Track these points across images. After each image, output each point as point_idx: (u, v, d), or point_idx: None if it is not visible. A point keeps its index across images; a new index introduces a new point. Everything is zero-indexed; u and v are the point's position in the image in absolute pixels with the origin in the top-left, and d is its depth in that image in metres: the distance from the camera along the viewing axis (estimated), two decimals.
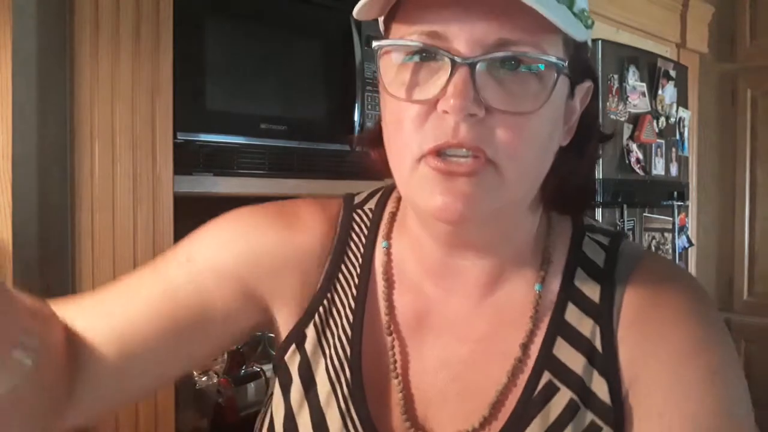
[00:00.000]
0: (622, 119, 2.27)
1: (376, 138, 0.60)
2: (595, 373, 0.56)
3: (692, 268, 2.90)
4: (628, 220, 2.30)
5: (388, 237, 0.64)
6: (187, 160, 1.26)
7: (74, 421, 0.56)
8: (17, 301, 0.48)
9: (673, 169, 2.55)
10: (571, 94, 0.56)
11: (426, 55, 0.50)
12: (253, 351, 1.54)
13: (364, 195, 0.69)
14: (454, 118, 0.48)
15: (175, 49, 1.23)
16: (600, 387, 0.56)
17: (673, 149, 2.55)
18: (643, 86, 2.35)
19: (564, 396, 0.56)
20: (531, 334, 0.58)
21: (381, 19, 0.56)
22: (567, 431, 0.55)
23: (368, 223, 0.66)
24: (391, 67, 0.52)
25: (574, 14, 0.51)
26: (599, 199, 2.15)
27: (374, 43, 0.53)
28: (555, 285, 0.60)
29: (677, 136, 2.57)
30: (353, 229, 0.66)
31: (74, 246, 1.13)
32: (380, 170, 0.61)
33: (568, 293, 0.60)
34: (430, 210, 0.51)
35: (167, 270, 0.61)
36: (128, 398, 0.62)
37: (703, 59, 3.00)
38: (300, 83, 1.47)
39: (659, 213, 2.50)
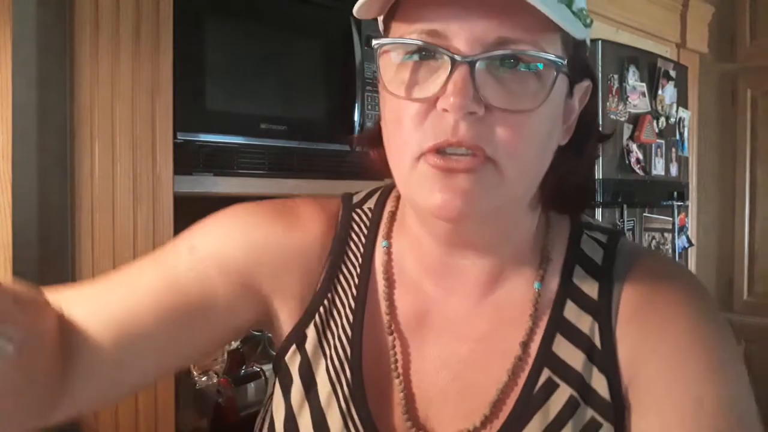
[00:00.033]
0: (622, 119, 2.27)
1: (375, 138, 0.60)
2: (595, 370, 0.57)
3: (692, 268, 2.90)
4: (628, 220, 2.30)
5: (388, 236, 0.64)
6: (187, 160, 1.26)
7: (69, 410, 0.54)
8: None
9: (673, 169, 2.55)
10: (570, 93, 0.56)
11: (425, 53, 0.50)
12: (253, 351, 1.54)
13: (362, 194, 0.69)
14: (454, 116, 0.48)
15: (175, 49, 1.23)
16: (600, 383, 0.56)
17: (673, 149, 2.55)
18: (643, 86, 2.35)
19: (564, 393, 0.56)
20: (531, 332, 0.58)
21: (380, 19, 0.57)
22: (567, 428, 0.55)
23: (368, 223, 0.66)
24: (391, 65, 0.53)
25: (573, 13, 0.52)
26: (599, 199, 2.15)
27: (374, 42, 0.53)
28: (554, 283, 0.60)
29: (677, 136, 2.57)
30: (353, 229, 0.65)
31: (74, 246, 1.13)
32: (379, 170, 0.61)
33: (567, 290, 0.60)
34: (430, 207, 0.51)
35: (168, 259, 0.61)
36: (125, 389, 0.60)
37: (703, 59, 3.00)
38: (300, 83, 1.47)
39: (659, 213, 2.50)
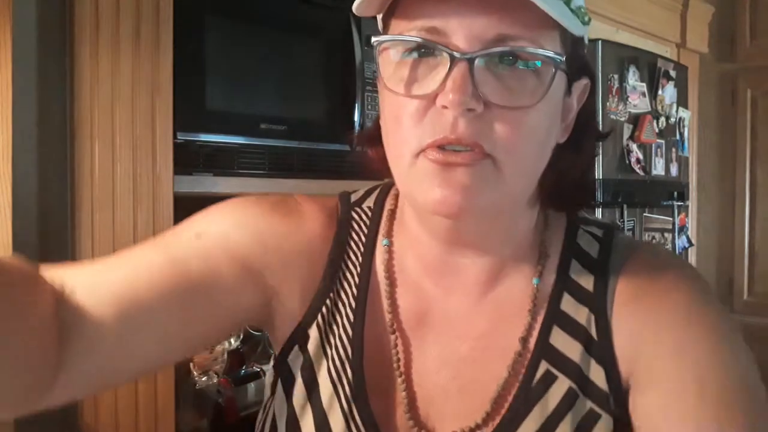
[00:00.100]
0: (622, 119, 2.27)
1: (374, 136, 0.60)
2: (592, 362, 0.57)
3: None
4: (628, 220, 2.30)
5: (388, 235, 0.64)
6: (187, 160, 1.26)
7: (66, 390, 0.51)
8: None
9: (673, 169, 2.55)
10: (569, 91, 0.56)
11: (425, 50, 0.51)
12: (253, 351, 1.54)
13: (360, 193, 0.69)
14: (453, 113, 0.48)
15: (175, 49, 1.23)
16: (597, 375, 0.56)
17: (673, 149, 2.55)
18: (643, 86, 2.35)
19: (562, 384, 0.56)
20: (529, 327, 0.59)
21: (380, 17, 0.57)
22: (566, 420, 0.55)
23: (368, 222, 0.66)
24: (390, 63, 0.53)
25: (572, 10, 0.52)
26: (599, 199, 2.15)
27: (373, 39, 0.53)
28: (551, 278, 0.60)
29: (677, 136, 2.57)
30: (353, 228, 0.65)
31: (74, 246, 1.13)
32: (378, 169, 0.61)
33: (564, 284, 0.60)
34: (429, 203, 0.51)
35: (172, 241, 0.59)
36: (124, 372, 0.57)
37: (703, 59, 3.00)
38: (300, 83, 1.47)
39: (659, 213, 2.50)
